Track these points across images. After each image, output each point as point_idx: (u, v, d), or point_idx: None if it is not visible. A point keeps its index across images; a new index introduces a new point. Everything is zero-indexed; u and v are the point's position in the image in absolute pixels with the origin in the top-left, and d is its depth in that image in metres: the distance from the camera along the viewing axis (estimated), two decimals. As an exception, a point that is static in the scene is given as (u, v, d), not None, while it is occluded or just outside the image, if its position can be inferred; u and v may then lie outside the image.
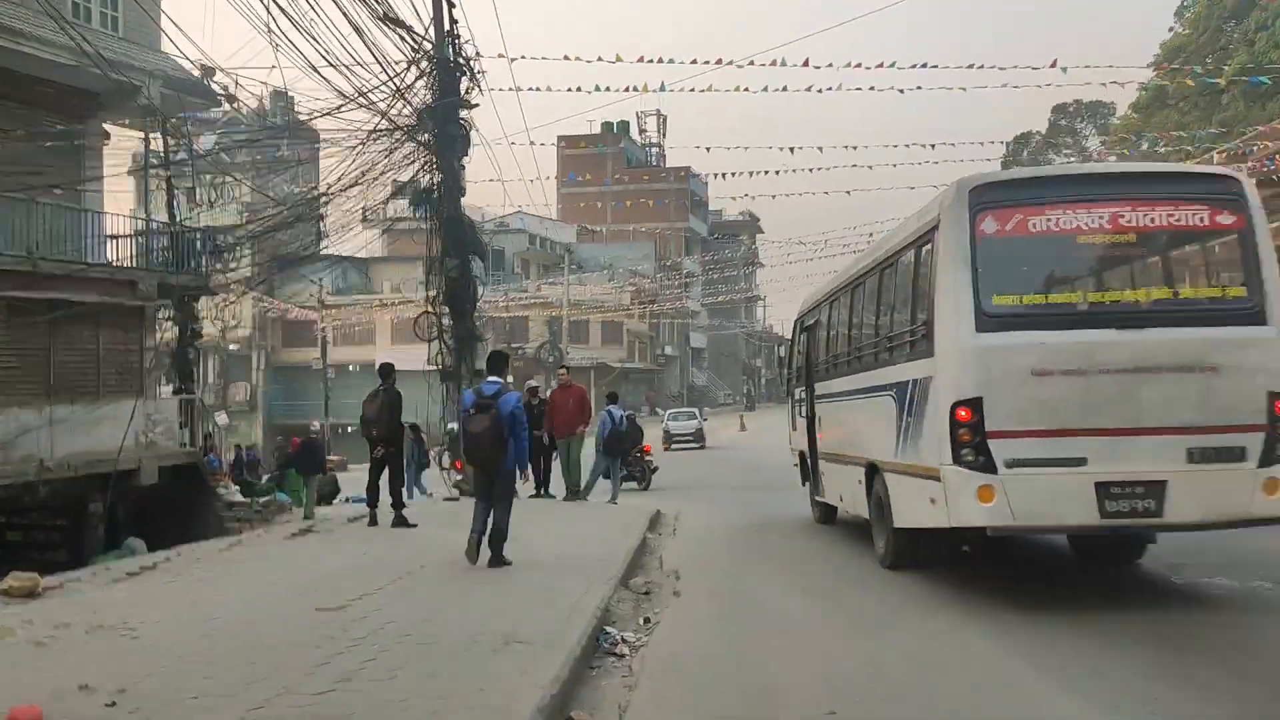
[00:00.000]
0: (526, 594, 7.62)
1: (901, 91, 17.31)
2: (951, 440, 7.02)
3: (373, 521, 11.79)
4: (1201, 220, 7.30)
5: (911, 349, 8.00)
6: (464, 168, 15.20)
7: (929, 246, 7.69)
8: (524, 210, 52.57)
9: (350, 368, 54.80)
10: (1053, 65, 15.94)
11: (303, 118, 15.77)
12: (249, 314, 56.22)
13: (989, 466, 6.90)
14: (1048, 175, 8.85)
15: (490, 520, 8.68)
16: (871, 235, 34.57)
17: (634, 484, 19.02)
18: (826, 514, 12.44)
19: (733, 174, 40.40)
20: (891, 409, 8.25)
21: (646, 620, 7.63)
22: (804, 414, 12.52)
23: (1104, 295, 7.46)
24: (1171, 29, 53.95)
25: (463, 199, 15.30)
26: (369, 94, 13.76)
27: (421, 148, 15.06)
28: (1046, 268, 7.51)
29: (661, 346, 72.49)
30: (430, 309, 15.33)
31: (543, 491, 15.73)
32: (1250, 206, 7.22)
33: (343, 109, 14.00)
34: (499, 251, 64.34)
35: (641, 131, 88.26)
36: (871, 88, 22.90)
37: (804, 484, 13.29)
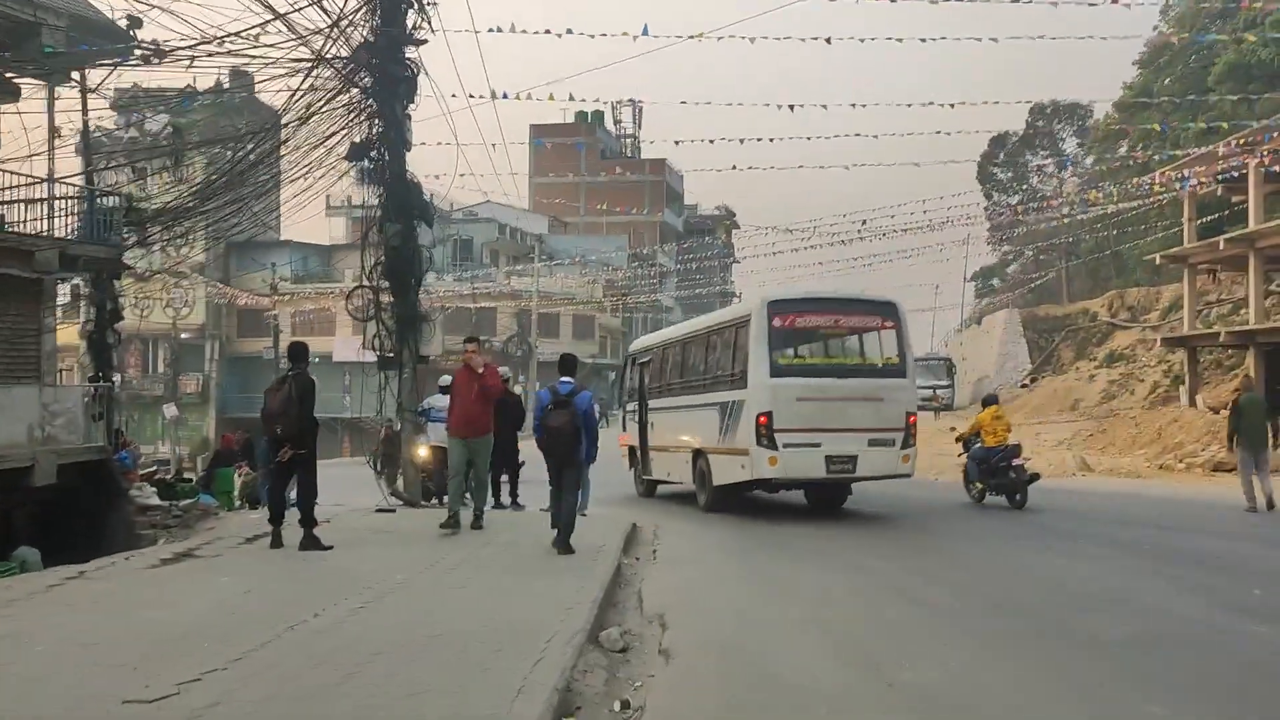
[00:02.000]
0: (452, 664, 5.31)
1: (923, 40, 15.00)
2: (756, 434, 12.25)
3: (276, 542, 9.34)
4: (877, 323, 13.16)
5: (732, 382, 13.15)
6: (410, 117, 12.83)
7: (745, 328, 12.83)
8: (492, 199, 49.92)
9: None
10: (1114, 2, 13.71)
11: (211, 38, 13.10)
12: (202, 300, 53.56)
13: (774, 446, 12.23)
14: (806, 296, 14.10)
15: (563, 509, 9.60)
16: (865, 222, 32.52)
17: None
18: (649, 488, 16.83)
19: (722, 138, 36.98)
20: (716, 416, 13.13)
21: (625, 705, 5.35)
22: (635, 420, 16.80)
23: (831, 360, 13.14)
24: (1156, 28, 52.57)
25: (408, 152, 12.88)
26: (293, 15, 11.26)
27: (360, 92, 12.67)
28: (804, 344, 13.15)
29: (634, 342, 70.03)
30: (367, 283, 12.85)
31: (511, 502, 13.57)
32: (900, 316, 13.25)
33: (263, 33, 11.52)
34: (467, 240, 61.92)
35: (617, 123, 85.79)
36: (889, 37, 20.40)
37: (630, 469, 17.49)
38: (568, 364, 9.95)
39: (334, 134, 12.84)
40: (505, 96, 15.16)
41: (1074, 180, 58.22)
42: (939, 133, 26.99)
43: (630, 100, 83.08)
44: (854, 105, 37.69)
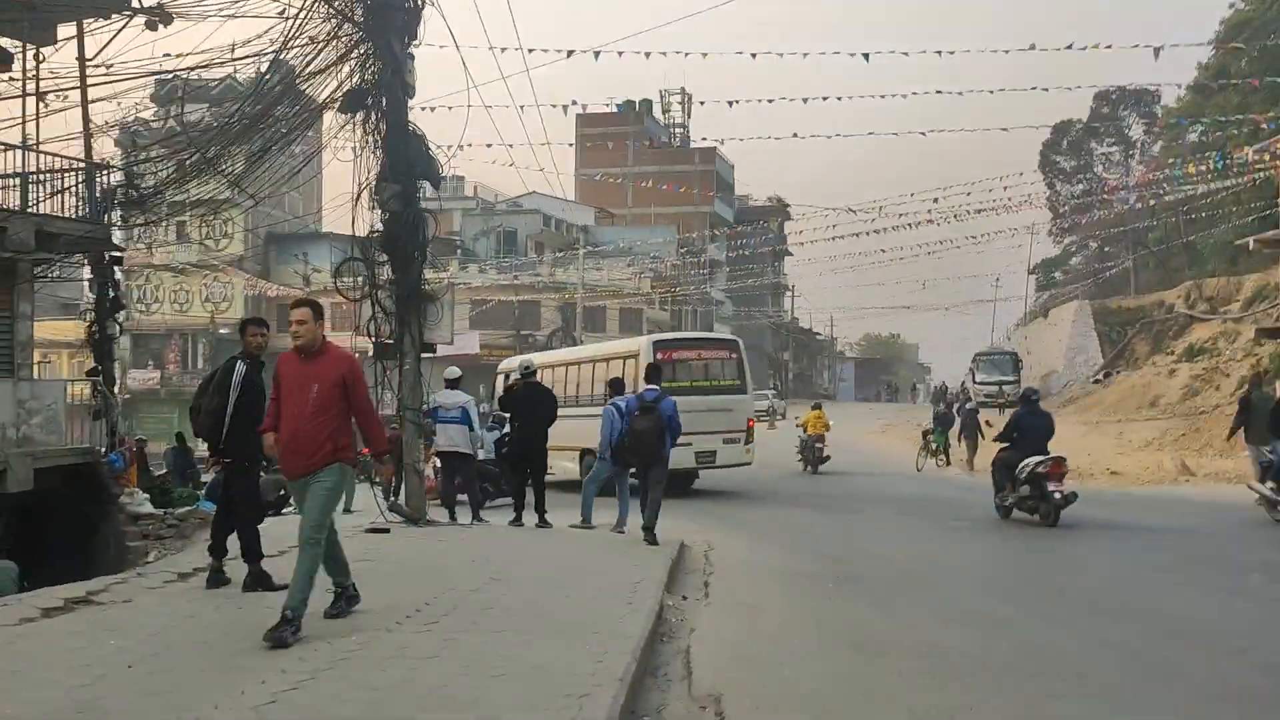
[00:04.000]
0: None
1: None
2: None
3: (215, 581, 7.21)
4: (724, 355, 18.51)
5: None
6: (412, 57, 10.75)
7: (635, 358, 17.02)
8: (523, 176, 48.18)
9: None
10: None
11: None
12: (240, 294, 52.30)
13: None
14: (677, 337, 22.34)
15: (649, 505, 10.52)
16: (937, 200, 29.96)
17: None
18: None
19: (782, 98, 33.89)
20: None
21: None
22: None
23: (696, 382, 17.72)
24: (1232, 4, 49.14)
25: (412, 100, 10.78)
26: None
27: (352, 27, 10.62)
28: (678, 370, 17.43)
29: (683, 337, 67.57)
30: (360, 254, 10.69)
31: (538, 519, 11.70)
32: (740, 349, 18.70)
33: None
34: (511, 232, 60.22)
35: (665, 111, 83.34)
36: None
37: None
38: (652, 373, 11.47)
39: (322, 72, 10.76)
40: (533, 50, 12.98)
41: (1141, 168, 54.82)
42: (1034, 88, 24.31)
43: (681, 89, 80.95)
44: (940, 52, 33.99)
